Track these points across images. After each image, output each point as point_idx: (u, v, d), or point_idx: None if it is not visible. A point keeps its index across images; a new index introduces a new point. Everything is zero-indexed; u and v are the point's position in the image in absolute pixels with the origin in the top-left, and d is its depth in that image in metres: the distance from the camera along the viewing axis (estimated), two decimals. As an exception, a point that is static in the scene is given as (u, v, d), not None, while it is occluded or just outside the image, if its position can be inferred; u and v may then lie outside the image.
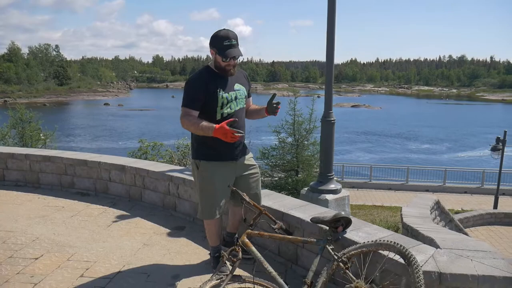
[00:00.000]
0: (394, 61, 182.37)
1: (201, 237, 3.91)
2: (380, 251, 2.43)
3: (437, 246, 2.63)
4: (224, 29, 2.85)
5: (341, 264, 2.41)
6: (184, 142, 7.32)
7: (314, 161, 14.22)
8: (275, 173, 14.68)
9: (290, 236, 2.80)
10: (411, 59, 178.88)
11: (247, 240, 2.75)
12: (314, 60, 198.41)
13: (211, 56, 2.89)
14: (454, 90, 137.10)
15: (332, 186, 5.44)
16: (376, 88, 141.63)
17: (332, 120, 5.35)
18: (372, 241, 2.46)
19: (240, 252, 2.73)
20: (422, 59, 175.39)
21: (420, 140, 42.19)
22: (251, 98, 3.23)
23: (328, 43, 5.19)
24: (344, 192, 5.48)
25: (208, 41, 2.86)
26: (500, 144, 17.66)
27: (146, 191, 4.82)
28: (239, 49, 2.81)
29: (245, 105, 3.06)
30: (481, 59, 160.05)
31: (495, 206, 16.99)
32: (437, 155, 34.89)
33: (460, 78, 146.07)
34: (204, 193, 2.99)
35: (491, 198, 18.04)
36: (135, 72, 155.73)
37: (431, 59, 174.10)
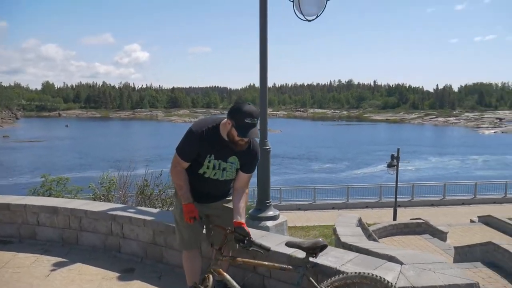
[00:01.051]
0: (290, 86, 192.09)
1: (155, 277, 3.78)
2: (365, 284, 2.48)
3: (400, 263, 2.88)
4: (248, 104, 2.71)
5: None
6: (109, 176, 6.93)
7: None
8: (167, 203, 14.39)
9: (266, 263, 2.76)
10: (305, 84, 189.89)
11: (219, 269, 2.73)
12: (214, 85, 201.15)
13: (226, 125, 2.74)
14: (345, 112, 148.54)
15: (271, 213, 5.56)
16: (275, 112, 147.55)
17: (268, 148, 5.52)
18: (356, 272, 2.51)
19: (211, 280, 2.71)
20: (315, 83, 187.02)
21: (321, 160, 44.74)
22: (248, 174, 2.97)
23: (261, 70, 5.31)
24: (282, 218, 5.64)
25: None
26: (395, 160, 19.51)
27: (84, 233, 4.50)
28: (257, 129, 2.71)
29: (232, 177, 2.95)
30: (366, 83, 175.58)
31: (394, 218, 18.59)
32: (338, 174, 37.27)
33: (349, 101, 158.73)
34: (179, 225, 3.08)
35: (390, 211, 19.72)
36: (22, 100, 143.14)
37: (323, 84, 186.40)
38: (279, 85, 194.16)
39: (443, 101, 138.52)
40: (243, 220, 2.78)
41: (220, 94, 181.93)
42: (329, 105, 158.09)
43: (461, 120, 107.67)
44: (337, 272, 2.77)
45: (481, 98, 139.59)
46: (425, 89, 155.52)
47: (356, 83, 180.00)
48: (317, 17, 5.09)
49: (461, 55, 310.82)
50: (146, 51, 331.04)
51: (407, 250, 3.61)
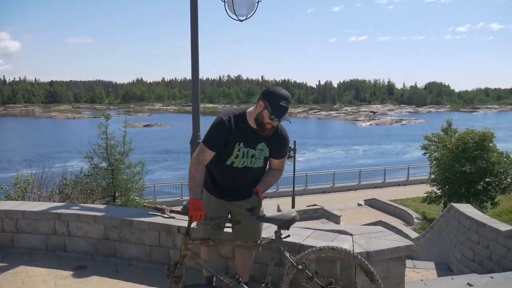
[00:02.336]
0: (179, 80, 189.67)
1: (112, 271, 3.81)
2: (337, 256, 2.71)
3: (350, 234, 3.38)
4: (284, 88, 2.75)
5: (306, 271, 2.62)
6: (23, 176, 6.46)
7: (133, 185, 14.06)
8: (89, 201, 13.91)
9: (239, 242, 2.82)
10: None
11: (190, 252, 2.75)
12: (98, 79, 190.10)
13: (257, 107, 2.72)
14: (235, 106, 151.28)
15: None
16: (165, 107, 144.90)
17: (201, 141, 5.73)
18: (329, 246, 2.69)
19: (184, 268, 2.82)
20: (205, 78, 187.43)
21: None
22: (279, 160, 2.93)
23: (193, 64, 5.45)
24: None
25: None
26: (292, 152, 20.78)
27: (21, 235, 4.28)
28: (288, 115, 2.70)
29: (262, 165, 2.89)
30: (254, 78, 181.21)
31: (293, 206, 19.87)
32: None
33: (239, 96, 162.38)
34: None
35: (287, 199, 20.99)
36: None
37: (212, 79, 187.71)
38: (168, 79, 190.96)
39: (325, 96, 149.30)
40: (261, 189, 2.80)
41: (105, 89, 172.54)
42: (219, 99, 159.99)
43: (341, 114, 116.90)
44: (301, 247, 3.17)
45: (357, 93, 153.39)
46: (308, 85, 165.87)
47: (245, 78, 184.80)
48: (247, 18, 5.43)
49: (339, 53, 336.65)
50: (16, 40, 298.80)
51: (347, 225, 4.14)
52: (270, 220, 2.73)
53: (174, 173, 34.01)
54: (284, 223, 2.69)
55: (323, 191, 24.97)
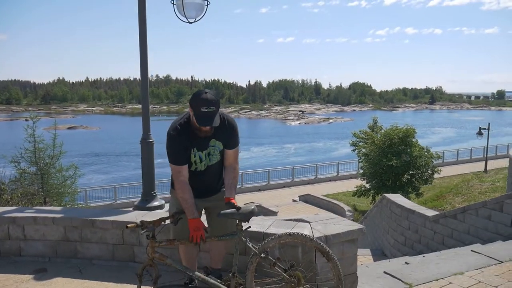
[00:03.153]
0: (105, 80, 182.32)
1: (75, 272, 3.81)
2: (295, 241, 2.92)
3: (308, 222, 3.70)
4: (206, 92, 2.80)
5: (269, 258, 2.77)
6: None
7: (65, 189, 13.56)
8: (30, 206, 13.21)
9: (203, 238, 2.87)
10: (122, 78, 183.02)
11: (158, 254, 2.85)
12: (14, 79, 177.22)
13: (190, 112, 2.87)
14: (165, 107, 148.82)
15: (156, 203, 5.86)
16: (90, 108, 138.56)
17: (152, 141, 5.79)
18: (287, 232, 2.88)
19: (156, 270, 2.85)
20: (132, 78, 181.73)
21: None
22: (233, 150, 3.06)
23: (142, 64, 5.48)
24: (167, 206, 5.99)
25: None
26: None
27: (-30, 243, 4.11)
28: (217, 117, 2.79)
29: (219, 158, 3.04)
30: (184, 78, 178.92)
31: (231, 204, 20.12)
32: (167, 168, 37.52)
33: (168, 96, 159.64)
34: (174, 228, 3.07)
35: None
36: None
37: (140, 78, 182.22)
38: (92, 79, 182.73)
39: (255, 96, 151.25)
40: (232, 196, 2.94)
41: (22, 89, 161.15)
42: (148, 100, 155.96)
43: (271, 113, 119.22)
44: (265, 235, 3.42)
45: (286, 93, 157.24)
46: (239, 85, 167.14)
47: (174, 78, 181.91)
48: (195, 20, 5.58)
49: (268, 54, 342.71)
50: None
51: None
52: (230, 215, 2.84)
53: (106, 176, 32.82)
54: (244, 217, 2.84)
55: (259, 189, 25.51)
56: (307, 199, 21.19)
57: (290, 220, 3.82)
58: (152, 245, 2.83)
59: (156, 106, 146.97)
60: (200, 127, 2.81)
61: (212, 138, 2.94)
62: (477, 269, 4.17)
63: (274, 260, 2.82)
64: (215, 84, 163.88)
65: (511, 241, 5.10)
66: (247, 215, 2.85)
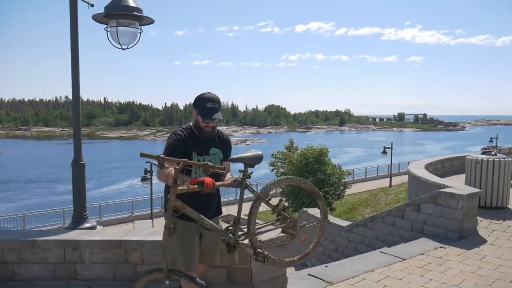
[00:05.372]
0: (7, 101, 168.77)
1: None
2: (291, 183, 3.25)
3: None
4: (209, 92, 3.03)
5: (270, 202, 2.99)
6: None
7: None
8: None
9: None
10: (26, 99, 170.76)
11: (179, 202, 2.66)
12: None
13: (193, 116, 3.04)
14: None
15: (88, 224, 5.88)
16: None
17: (83, 163, 5.85)
18: (283, 177, 3.21)
19: None
20: (38, 99, 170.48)
21: (62, 181, 41.61)
22: (227, 162, 3.17)
23: (73, 85, 5.53)
24: (99, 228, 6.04)
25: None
26: (148, 174, 20.82)
27: None
28: (220, 113, 2.99)
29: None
30: (96, 100, 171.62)
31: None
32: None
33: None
34: (169, 245, 2.89)
35: (146, 223, 20.83)
36: None
37: (47, 100, 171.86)
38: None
39: (172, 118, 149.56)
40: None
41: None
42: (56, 122, 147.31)
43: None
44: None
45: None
46: (155, 107, 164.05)
47: (85, 99, 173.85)
48: (128, 47, 5.83)
49: (184, 76, 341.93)
50: None
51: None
52: (239, 159, 2.95)
53: (12, 205, 30.41)
54: (251, 161, 2.93)
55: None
56: (228, 219, 21.48)
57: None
58: (174, 190, 2.62)
59: (66, 129, 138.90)
60: (206, 125, 2.97)
61: (212, 146, 3.09)
62: (385, 266, 4.88)
63: (274, 205, 3.09)
64: (129, 106, 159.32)
65: (411, 242, 5.94)
66: (255, 160, 2.94)
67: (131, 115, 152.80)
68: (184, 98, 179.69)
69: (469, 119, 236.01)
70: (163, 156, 2.55)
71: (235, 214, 3.05)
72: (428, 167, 10.09)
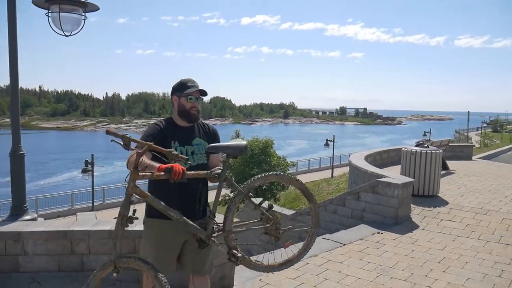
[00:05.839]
0: None
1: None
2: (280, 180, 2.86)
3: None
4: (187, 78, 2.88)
5: (252, 200, 2.68)
6: None
7: None
8: None
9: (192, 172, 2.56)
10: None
11: (138, 190, 2.37)
12: None
13: (174, 104, 2.83)
14: (7, 120, 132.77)
15: (28, 217, 5.67)
16: None
17: (23, 153, 5.62)
18: (271, 173, 2.71)
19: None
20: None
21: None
22: (216, 155, 2.88)
23: (11, 71, 5.34)
24: (41, 220, 5.84)
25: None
26: (90, 166, 20.14)
27: None
28: (204, 90, 2.82)
29: (206, 161, 2.82)
30: (30, 88, 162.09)
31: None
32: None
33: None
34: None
35: (89, 215, 20.20)
36: None
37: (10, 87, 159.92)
38: None
39: (113, 108, 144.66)
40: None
41: None
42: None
43: (132, 127, 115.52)
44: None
45: (147, 106, 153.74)
46: (95, 97, 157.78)
47: (18, 87, 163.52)
48: (71, 34, 5.65)
49: (126, 65, 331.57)
50: None
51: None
52: (221, 148, 2.69)
53: None
54: (234, 151, 2.63)
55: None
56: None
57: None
58: (134, 176, 2.33)
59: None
60: (192, 105, 2.78)
61: (196, 137, 2.86)
62: (327, 251, 5.15)
63: (256, 204, 2.71)
64: (67, 95, 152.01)
65: (352, 228, 6.28)
66: (237, 150, 2.64)
67: (70, 105, 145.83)
68: (126, 88, 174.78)
69: (406, 114, 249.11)
70: (129, 136, 2.29)
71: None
72: (368, 158, 10.63)
